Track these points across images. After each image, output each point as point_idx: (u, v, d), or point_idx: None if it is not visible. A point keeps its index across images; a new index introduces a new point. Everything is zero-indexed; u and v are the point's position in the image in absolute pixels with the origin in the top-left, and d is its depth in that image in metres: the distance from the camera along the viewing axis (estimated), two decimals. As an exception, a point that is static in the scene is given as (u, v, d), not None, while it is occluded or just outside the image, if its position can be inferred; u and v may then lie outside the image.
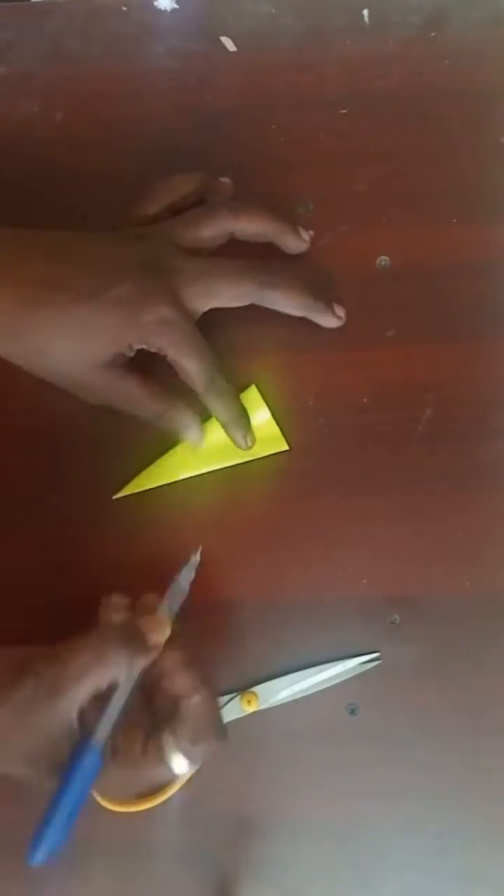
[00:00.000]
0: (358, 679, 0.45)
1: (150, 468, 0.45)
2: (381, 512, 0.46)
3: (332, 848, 0.45)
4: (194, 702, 0.38)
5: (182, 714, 0.37)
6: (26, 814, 0.46)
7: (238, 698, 0.45)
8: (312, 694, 0.45)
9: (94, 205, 0.46)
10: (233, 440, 0.44)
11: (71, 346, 0.40)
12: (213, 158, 0.47)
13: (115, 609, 0.39)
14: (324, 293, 0.44)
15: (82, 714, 0.36)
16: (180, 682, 0.38)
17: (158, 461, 0.45)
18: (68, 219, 0.45)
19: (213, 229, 0.43)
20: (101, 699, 0.36)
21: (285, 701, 0.45)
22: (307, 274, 0.45)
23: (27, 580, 0.46)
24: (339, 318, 0.45)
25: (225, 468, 0.45)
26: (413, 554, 0.46)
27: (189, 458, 0.45)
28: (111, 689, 0.36)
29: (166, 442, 0.45)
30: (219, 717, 0.39)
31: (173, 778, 0.38)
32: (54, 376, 0.41)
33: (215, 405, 0.43)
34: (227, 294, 0.42)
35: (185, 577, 0.40)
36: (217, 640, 0.46)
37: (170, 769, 0.37)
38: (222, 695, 0.45)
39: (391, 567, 0.46)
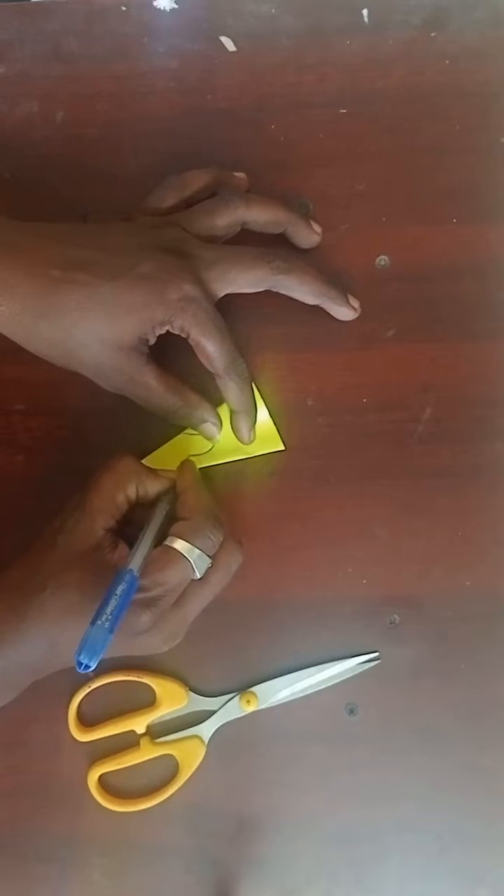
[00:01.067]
0: (357, 679, 0.45)
1: (145, 460, 0.45)
2: (380, 512, 0.46)
3: (332, 848, 0.45)
4: (189, 494, 0.41)
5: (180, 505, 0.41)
6: (26, 813, 0.47)
7: (237, 698, 0.45)
8: (312, 694, 0.45)
9: (94, 204, 0.46)
10: (237, 430, 0.44)
11: (98, 325, 0.39)
12: (213, 158, 0.47)
13: None
14: (338, 285, 0.44)
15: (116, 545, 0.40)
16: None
17: (152, 454, 0.45)
18: (68, 218, 0.45)
19: (228, 218, 0.43)
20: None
21: (285, 701, 0.45)
22: (320, 267, 0.45)
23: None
24: (354, 308, 0.45)
25: (220, 465, 0.45)
26: (412, 554, 0.46)
27: (183, 455, 0.45)
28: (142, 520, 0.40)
29: (168, 435, 0.45)
30: (208, 507, 0.41)
31: (188, 575, 0.39)
32: (75, 360, 0.41)
33: (232, 388, 0.43)
34: (243, 279, 0.42)
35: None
36: (217, 639, 0.46)
37: (182, 557, 0.39)
38: (222, 694, 0.46)
39: (391, 567, 0.46)
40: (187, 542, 0.39)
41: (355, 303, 0.45)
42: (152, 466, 0.44)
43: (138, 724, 0.46)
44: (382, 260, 0.46)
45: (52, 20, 0.47)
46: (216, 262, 0.41)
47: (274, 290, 0.43)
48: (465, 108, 0.46)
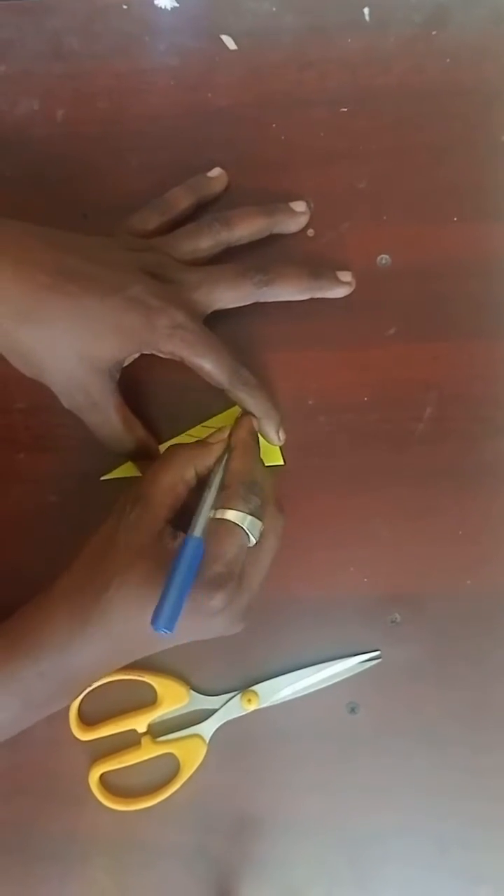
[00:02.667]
0: (358, 678, 0.45)
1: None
2: (381, 511, 0.46)
3: (332, 847, 0.45)
4: (233, 457, 0.40)
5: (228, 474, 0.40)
6: (27, 812, 0.47)
7: (239, 697, 0.45)
8: (313, 693, 0.45)
9: (94, 203, 0.46)
10: (265, 435, 0.43)
11: (81, 340, 0.39)
12: (214, 156, 0.47)
13: None
14: (324, 269, 0.44)
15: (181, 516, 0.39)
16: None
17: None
18: (69, 217, 0.45)
19: (210, 241, 0.43)
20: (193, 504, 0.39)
21: (286, 700, 0.45)
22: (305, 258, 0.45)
23: (27, 580, 0.46)
24: (347, 283, 0.45)
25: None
26: (414, 552, 0.45)
27: None
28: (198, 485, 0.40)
29: (170, 435, 0.45)
30: (249, 474, 0.40)
31: (244, 542, 0.39)
32: (47, 372, 0.40)
33: (244, 398, 0.42)
34: (228, 297, 0.42)
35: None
36: (217, 639, 0.45)
37: (233, 524, 0.38)
38: (223, 693, 0.46)
39: (392, 566, 0.46)
40: (234, 509, 0.38)
41: (346, 276, 0.45)
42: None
43: (139, 723, 0.46)
44: (383, 258, 0.46)
45: (52, 18, 0.47)
46: (200, 284, 0.41)
47: (262, 301, 0.43)
48: (466, 106, 0.46)
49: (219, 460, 0.41)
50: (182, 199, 0.45)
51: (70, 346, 0.39)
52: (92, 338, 0.39)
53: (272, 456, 0.45)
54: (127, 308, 0.39)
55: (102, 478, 0.45)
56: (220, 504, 0.39)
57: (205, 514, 0.38)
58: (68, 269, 0.39)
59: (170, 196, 0.44)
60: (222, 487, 0.40)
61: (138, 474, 0.45)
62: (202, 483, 0.40)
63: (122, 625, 0.38)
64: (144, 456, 0.44)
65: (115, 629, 0.38)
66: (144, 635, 0.38)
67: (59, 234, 0.41)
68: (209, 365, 0.40)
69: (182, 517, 0.40)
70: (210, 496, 0.39)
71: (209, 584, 0.37)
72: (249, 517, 0.38)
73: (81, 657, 0.38)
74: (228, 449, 0.41)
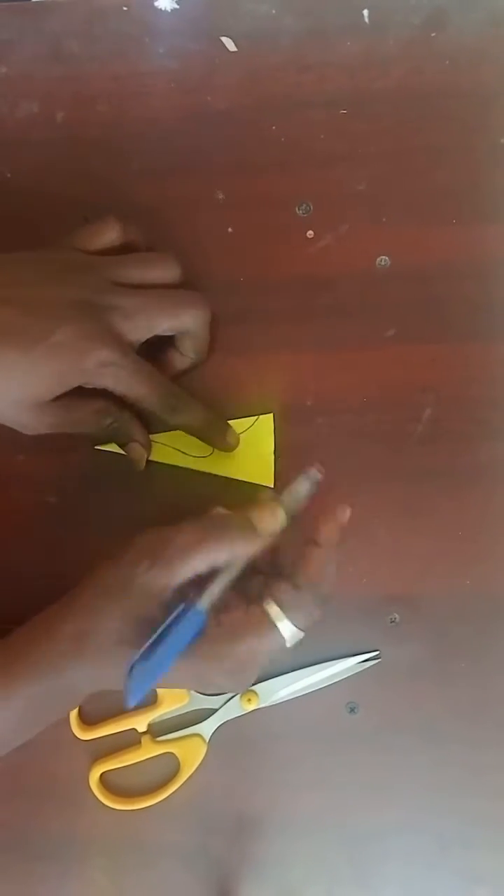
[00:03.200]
0: (357, 678, 0.45)
1: None
2: (380, 511, 0.46)
3: (332, 847, 0.45)
4: (306, 556, 0.37)
5: (293, 572, 0.37)
6: (27, 812, 0.47)
7: (238, 697, 0.45)
8: (312, 692, 0.45)
9: (94, 205, 0.46)
10: (214, 447, 0.45)
11: (12, 391, 0.39)
12: (213, 158, 0.47)
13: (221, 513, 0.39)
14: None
15: (185, 586, 0.36)
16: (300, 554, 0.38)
17: (153, 437, 0.46)
18: (69, 219, 0.45)
19: (161, 273, 0.43)
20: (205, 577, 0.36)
21: (285, 699, 0.45)
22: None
23: (27, 580, 0.46)
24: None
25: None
26: (412, 553, 0.46)
27: (177, 450, 0.45)
28: (215, 571, 0.36)
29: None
30: (325, 583, 0.38)
31: (279, 647, 0.36)
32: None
33: (180, 423, 0.43)
34: (166, 325, 0.42)
35: (303, 486, 0.38)
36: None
37: (278, 634, 0.36)
38: (223, 693, 0.46)
39: (391, 566, 0.46)
40: (291, 622, 0.36)
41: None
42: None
43: (139, 723, 0.46)
44: (382, 260, 0.46)
45: (52, 20, 0.47)
46: (137, 310, 0.41)
47: (196, 333, 0.43)
48: (464, 109, 0.47)
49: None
50: (136, 234, 0.44)
51: (7, 397, 0.39)
52: (22, 386, 0.39)
53: (264, 476, 0.46)
54: (52, 355, 0.38)
55: (97, 446, 0.46)
56: (278, 598, 0.36)
57: (219, 589, 0.36)
58: None
59: (126, 224, 0.43)
60: (287, 578, 0.37)
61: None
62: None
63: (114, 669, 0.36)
64: (129, 437, 0.44)
65: (112, 667, 0.37)
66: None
67: None
68: (139, 396, 0.41)
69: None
70: (218, 585, 0.36)
71: (227, 670, 0.36)
72: (297, 631, 0.36)
73: (78, 679, 0.38)
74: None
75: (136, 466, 0.45)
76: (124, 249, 0.43)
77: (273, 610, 0.36)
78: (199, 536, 0.36)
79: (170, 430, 0.45)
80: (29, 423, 0.41)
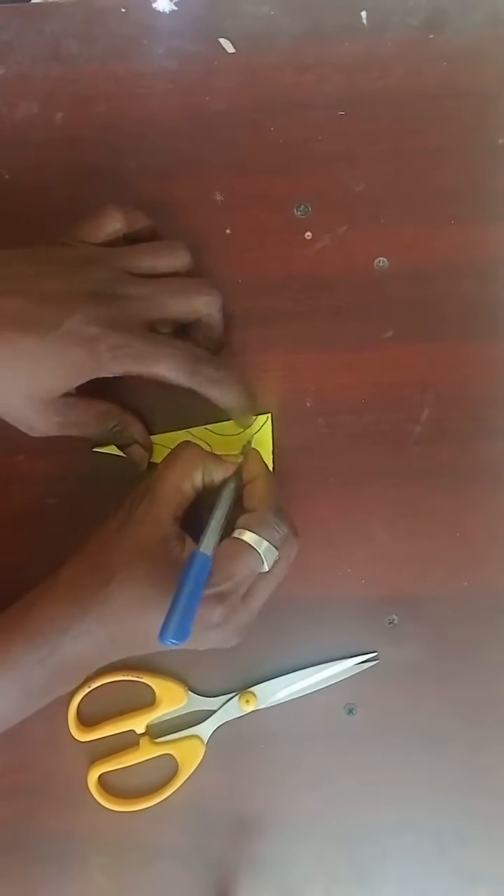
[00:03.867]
0: (356, 679, 0.45)
1: None
2: (379, 512, 0.46)
3: (331, 847, 0.45)
4: (257, 484, 0.40)
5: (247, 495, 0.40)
6: (26, 812, 0.47)
7: (237, 698, 0.45)
8: (311, 694, 0.45)
9: (93, 206, 0.46)
10: (232, 416, 0.44)
11: (23, 383, 0.39)
12: (212, 159, 0.47)
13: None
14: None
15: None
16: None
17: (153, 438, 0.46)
18: (68, 219, 0.45)
19: (172, 260, 0.42)
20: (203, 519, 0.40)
21: (284, 701, 0.45)
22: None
23: (27, 580, 0.46)
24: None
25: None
26: (411, 554, 0.46)
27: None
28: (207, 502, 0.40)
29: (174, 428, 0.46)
30: (275, 500, 0.41)
31: (258, 567, 0.39)
32: (7, 414, 0.41)
33: (210, 394, 0.42)
34: (177, 309, 0.42)
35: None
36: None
37: (255, 553, 0.39)
38: (222, 694, 0.46)
39: (389, 567, 0.46)
40: (256, 533, 0.39)
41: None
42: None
43: (138, 724, 0.46)
44: (381, 261, 0.46)
45: (51, 21, 0.47)
46: (149, 298, 0.40)
47: (207, 322, 0.43)
48: (463, 109, 0.47)
49: (228, 480, 0.41)
50: (141, 219, 0.43)
51: (14, 390, 0.39)
52: (35, 378, 0.39)
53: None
54: (65, 343, 0.38)
55: (95, 448, 0.46)
56: (244, 525, 0.39)
57: (214, 530, 0.38)
58: (3, 314, 0.38)
59: (129, 209, 0.43)
60: (237, 507, 0.40)
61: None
62: (208, 492, 0.41)
63: (121, 620, 0.38)
64: (131, 439, 0.44)
65: (113, 622, 0.38)
66: (142, 632, 0.38)
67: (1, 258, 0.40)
68: (164, 371, 0.40)
69: (188, 520, 0.40)
70: (220, 513, 0.39)
71: (213, 598, 0.38)
72: (266, 543, 0.39)
73: (79, 645, 0.38)
74: (237, 476, 0.41)
75: (138, 468, 0.45)
76: (132, 238, 0.43)
77: (243, 534, 0.39)
78: (170, 460, 0.40)
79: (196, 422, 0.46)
80: (38, 422, 0.41)
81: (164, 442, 0.46)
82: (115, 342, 0.39)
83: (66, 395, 0.40)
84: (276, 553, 0.39)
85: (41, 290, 0.39)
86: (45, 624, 0.39)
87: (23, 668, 0.38)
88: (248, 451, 0.42)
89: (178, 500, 0.40)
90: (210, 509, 0.40)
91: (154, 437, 0.46)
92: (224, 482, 0.41)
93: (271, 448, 0.46)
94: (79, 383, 0.40)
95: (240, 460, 0.41)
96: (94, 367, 0.39)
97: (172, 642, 0.34)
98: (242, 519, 0.40)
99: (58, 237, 0.42)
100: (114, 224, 0.42)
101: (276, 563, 0.40)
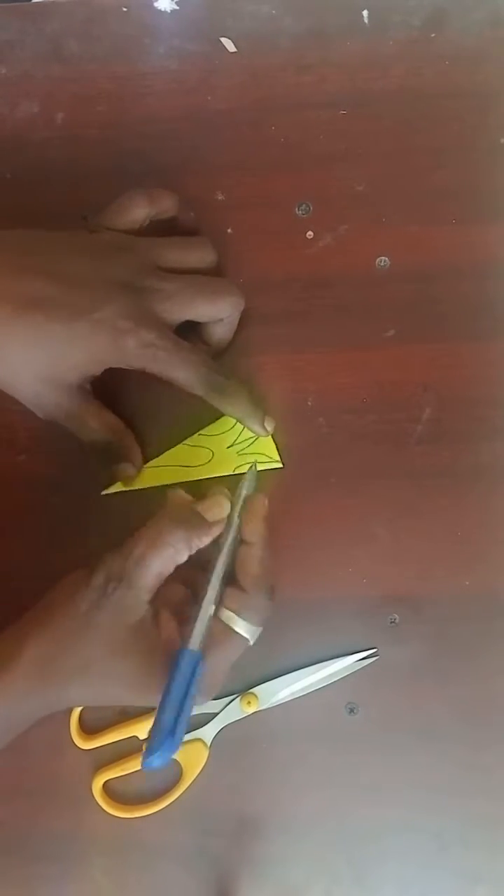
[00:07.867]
0: (357, 679, 0.45)
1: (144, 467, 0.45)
2: (380, 511, 0.46)
3: (331, 846, 0.45)
4: (241, 557, 0.40)
5: (237, 577, 0.40)
6: (28, 813, 0.47)
7: (238, 699, 0.45)
8: (312, 694, 0.45)
9: (94, 205, 0.46)
10: (253, 430, 0.44)
11: (46, 365, 0.39)
12: (213, 159, 0.47)
13: (175, 499, 0.40)
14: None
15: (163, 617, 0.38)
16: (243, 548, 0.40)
17: (149, 464, 0.45)
18: (68, 219, 0.45)
19: (201, 255, 0.42)
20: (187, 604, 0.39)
21: (285, 701, 0.45)
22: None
23: (27, 580, 0.46)
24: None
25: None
26: (412, 553, 0.46)
27: (178, 466, 0.45)
28: (193, 589, 0.39)
29: (168, 444, 0.46)
30: (265, 576, 0.40)
31: (244, 648, 0.39)
32: (14, 389, 0.41)
33: (222, 405, 0.42)
34: (203, 311, 0.41)
35: (250, 482, 0.41)
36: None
37: (240, 637, 0.39)
38: (223, 697, 0.46)
39: (390, 566, 0.46)
40: (248, 622, 0.39)
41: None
42: (142, 476, 0.44)
43: (140, 730, 0.46)
44: (382, 260, 0.46)
45: (52, 21, 0.47)
46: (176, 293, 0.40)
47: (232, 322, 0.43)
48: (464, 109, 0.47)
49: (220, 543, 0.40)
50: (166, 198, 0.43)
51: (35, 371, 0.39)
52: (57, 361, 0.39)
53: (269, 454, 0.45)
54: (94, 332, 0.38)
55: (103, 492, 0.45)
56: (237, 609, 0.39)
57: (201, 627, 0.37)
58: (33, 297, 0.38)
59: (152, 191, 0.42)
60: (231, 583, 0.40)
61: (138, 487, 0.45)
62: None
63: (92, 701, 0.39)
64: (133, 457, 0.44)
65: (82, 702, 0.39)
66: (116, 701, 0.38)
67: (30, 243, 0.40)
68: (181, 377, 0.40)
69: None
70: (207, 605, 0.38)
71: (204, 689, 0.38)
72: (258, 629, 0.39)
73: (43, 712, 0.38)
74: (228, 529, 0.40)
75: (123, 482, 0.45)
76: (161, 225, 0.43)
77: (228, 616, 0.39)
78: (152, 541, 0.38)
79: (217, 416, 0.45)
80: (47, 402, 0.41)
81: (165, 461, 0.45)
82: (143, 341, 0.39)
83: (82, 386, 0.40)
84: (260, 631, 0.40)
85: (69, 273, 0.39)
86: (7, 698, 0.37)
87: None
88: (252, 506, 0.41)
89: (158, 584, 0.38)
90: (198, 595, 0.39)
91: (155, 462, 0.45)
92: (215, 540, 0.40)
93: (275, 446, 0.45)
94: (99, 371, 0.40)
95: (228, 511, 0.40)
96: (116, 359, 0.39)
97: (158, 763, 0.34)
98: (234, 600, 0.39)
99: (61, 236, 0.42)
100: (139, 210, 0.42)
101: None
